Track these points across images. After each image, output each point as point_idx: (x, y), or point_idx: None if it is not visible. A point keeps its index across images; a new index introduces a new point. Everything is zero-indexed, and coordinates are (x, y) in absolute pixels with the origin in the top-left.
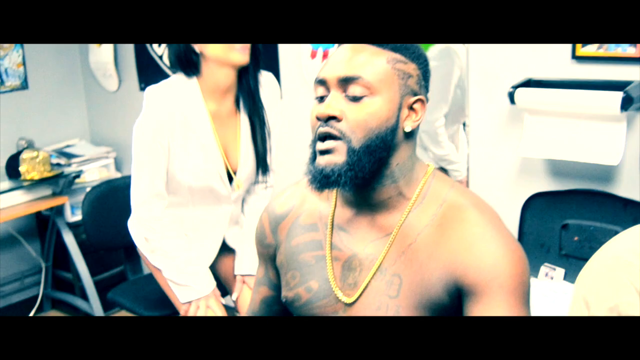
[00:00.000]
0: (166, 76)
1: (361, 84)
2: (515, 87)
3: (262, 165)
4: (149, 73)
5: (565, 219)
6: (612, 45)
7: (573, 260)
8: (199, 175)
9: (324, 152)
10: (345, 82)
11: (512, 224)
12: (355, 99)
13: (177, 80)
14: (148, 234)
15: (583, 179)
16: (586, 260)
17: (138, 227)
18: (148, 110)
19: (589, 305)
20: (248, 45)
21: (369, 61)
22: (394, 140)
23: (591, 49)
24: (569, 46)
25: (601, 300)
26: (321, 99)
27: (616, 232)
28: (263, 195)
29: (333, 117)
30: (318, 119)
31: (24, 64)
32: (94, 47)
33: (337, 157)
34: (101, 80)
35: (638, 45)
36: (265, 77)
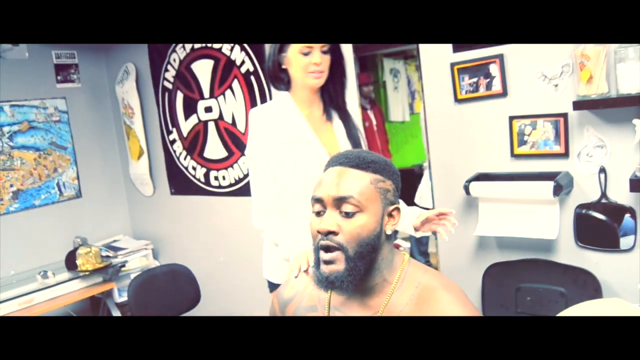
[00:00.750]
0: (192, 184)
1: (352, 203)
2: (469, 181)
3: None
4: (177, 181)
5: (519, 283)
6: (542, 144)
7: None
8: (311, 174)
9: (327, 262)
10: (339, 201)
11: (476, 289)
12: (348, 215)
13: (274, 98)
14: (273, 239)
15: (530, 250)
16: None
17: (264, 234)
18: (251, 129)
19: None
20: (323, 71)
21: (356, 183)
22: (379, 242)
23: (525, 149)
24: (508, 146)
25: None
26: (318, 213)
27: (560, 292)
28: None
29: (332, 232)
30: (319, 232)
31: (77, 178)
32: (132, 162)
33: (338, 266)
34: (139, 188)
35: (562, 143)
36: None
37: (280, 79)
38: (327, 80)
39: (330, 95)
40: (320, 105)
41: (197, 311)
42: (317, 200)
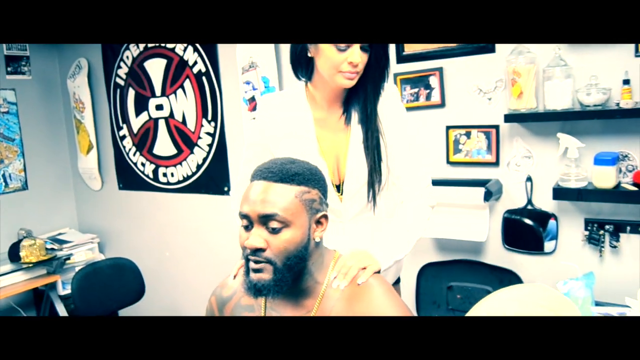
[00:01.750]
0: (140, 179)
1: (278, 220)
2: None
3: (374, 181)
4: (126, 176)
5: (450, 282)
6: (475, 153)
7: (458, 313)
8: None
9: (255, 270)
10: (264, 218)
11: (411, 288)
12: (275, 231)
13: (289, 89)
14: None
15: (461, 252)
16: (465, 313)
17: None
18: (257, 115)
19: None
20: (359, 72)
21: (281, 199)
22: (308, 251)
23: (460, 156)
24: (444, 153)
25: None
26: (246, 227)
27: (487, 291)
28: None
29: (259, 249)
30: (247, 248)
31: (24, 170)
32: (82, 156)
33: (266, 275)
34: (87, 182)
35: (493, 153)
36: (387, 86)
37: (301, 67)
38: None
39: (359, 98)
40: (341, 106)
41: (141, 304)
42: (244, 217)
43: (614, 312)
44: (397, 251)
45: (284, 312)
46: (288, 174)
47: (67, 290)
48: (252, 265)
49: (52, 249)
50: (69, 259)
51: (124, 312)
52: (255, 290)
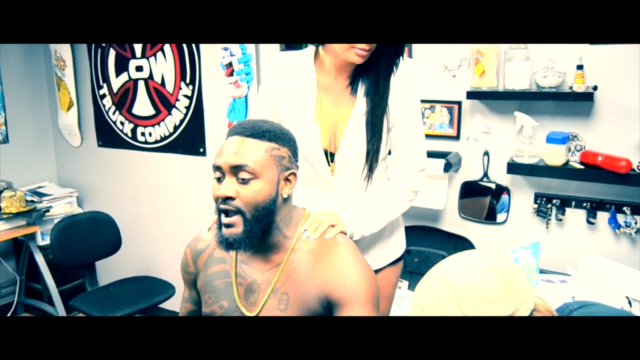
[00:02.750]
0: (119, 137)
1: (247, 170)
2: None
3: (371, 157)
4: (105, 134)
5: (409, 246)
6: (438, 126)
7: (414, 275)
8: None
9: (227, 225)
10: (235, 169)
11: None
12: (244, 182)
13: (302, 50)
14: None
15: (420, 218)
16: (423, 275)
17: None
18: (266, 73)
19: (424, 312)
20: (371, 50)
21: (252, 152)
22: (276, 205)
23: (424, 129)
24: None
25: (432, 311)
26: (218, 179)
27: (443, 255)
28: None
29: (229, 197)
30: (218, 197)
31: (5, 123)
32: (62, 112)
33: (237, 229)
34: (67, 138)
35: (455, 127)
36: (403, 65)
37: None
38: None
39: (369, 71)
40: (349, 76)
41: (118, 257)
42: (217, 168)
43: (556, 279)
44: (365, 227)
45: (254, 266)
46: (259, 130)
47: (46, 241)
48: (223, 219)
49: (32, 201)
50: (48, 211)
51: (100, 263)
52: (227, 244)
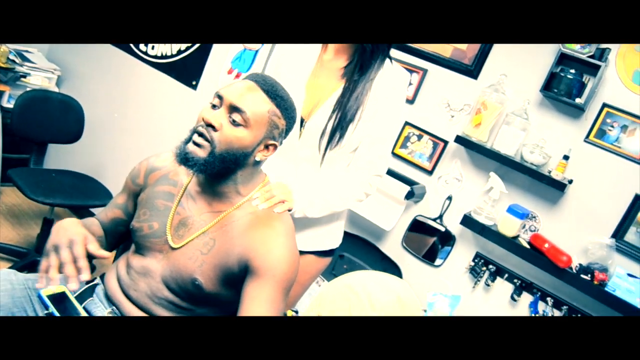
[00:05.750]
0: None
1: (243, 116)
2: None
3: (329, 139)
4: None
5: (344, 251)
6: (417, 155)
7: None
8: None
9: (195, 144)
10: (233, 108)
11: None
12: (234, 123)
13: None
14: None
15: (366, 231)
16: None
17: None
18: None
19: (319, 305)
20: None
21: (257, 104)
22: (245, 162)
23: (404, 152)
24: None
25: (325, 307)
26: (214, 106)
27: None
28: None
29: (213, 126)
30: (204, 119)
31: None
32: None
33: (201, 153)
34: None
35: (432, 162)
36: (393, 70)
37: None
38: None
39: (364, 60)
40: (347, 59)
41: (72, 147)
42: (219, 97)
43: None
44: (310, 208)
45: (198, 203)
46: (275, 92)
47: (11, 105)
48: (194, 138)
49: (13, 61)
50: (24, 77)
51: (53, 147)
52: (184, 158)
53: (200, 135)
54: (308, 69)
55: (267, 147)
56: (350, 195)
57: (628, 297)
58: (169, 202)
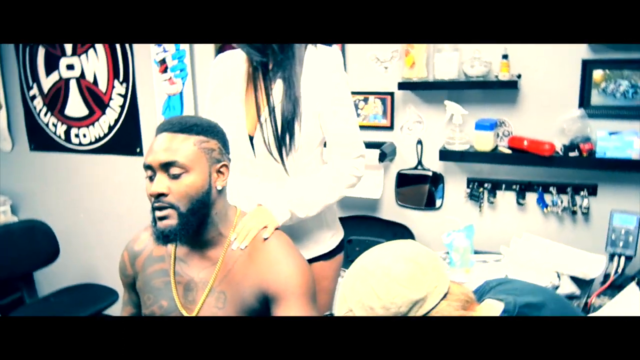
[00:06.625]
0: (52, 140)
1: (178, 166)
2: None
3: (282, 144)
4: (37, 137)
5: (350, 236)
6: (372, 117)
7: None
8: (228, 129)
9: (161, 218)
10: (165, 165)
11: None
12: (176, 177)
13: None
14: None
15: (359, 208)
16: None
17: None
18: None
19: (346, 300)
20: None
21: (180, 147)
22: (210, 198)
23: (359, 120)
24: None
25: (352, 298)
26: (150, 178)
27: (382, 243)
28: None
29: (162, 194)
30: (151, 195)
31: None
32: None
33: (171, 221)
34: None
35: (388, 117)
36: (319, 52)
37: None
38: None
39: (276, 61)
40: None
41: (57, 266)
42: (148, 167)
43: (491, 259)
44: (298, 208)
45: (191, 263)
46: (187, 124)
47: None
48: (157, 213)
49: None
50: None
51: (39, 274)
52: (163, 236)
53: (159, 209)
54: (240, 86)
55: (219, 172)
56: (338, 184)
57: (619, 153)
58: (165, 277)
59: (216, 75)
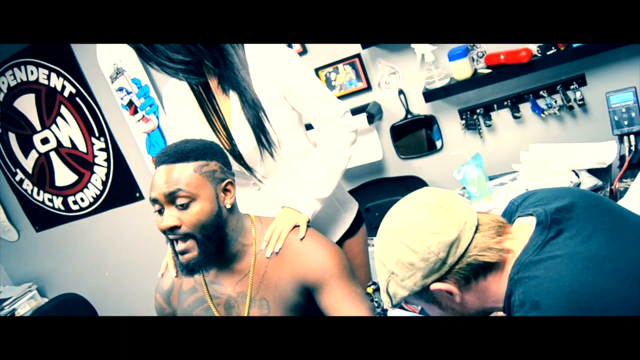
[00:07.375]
0: (53, 215)
1: (182, 195)
2: None
3: (264, 145)
4: (38, 217)
5: (366, 204)
6: (347, 84)
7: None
8: None
9: (181, 252)
10: (170, 197)
11: None
12: (184, 207)
13: None
14: None
15: (366, 175)
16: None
17: None
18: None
19: (384, 265)
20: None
21: (182, 176)
22: (222, 219)
23: (336, 92)
24: None
25: (389, 261)
26: (160, 212)
27: (398, 200)
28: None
29: (174, 227)
30: (163, 230)
31: None
32: None
33: (193, 254)
34: (2, 236)
35: (363, 79)
36: (255, 51)
37: None
38: None
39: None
40: (202, 76)
41: None
42: (154, 201)
43: (506, 179)
44: (319, 190)
45: (223, 282)
46: (183, 152)
47: None
48: (177, 247)
49: None
50: (14, 314)
51: None
52: (188, 269)
53: (176, 241)
54: (195, 110)
55: (225, 190)
56: (341, 145)
57: None
58: (203, 304)
59: (170, 107)
